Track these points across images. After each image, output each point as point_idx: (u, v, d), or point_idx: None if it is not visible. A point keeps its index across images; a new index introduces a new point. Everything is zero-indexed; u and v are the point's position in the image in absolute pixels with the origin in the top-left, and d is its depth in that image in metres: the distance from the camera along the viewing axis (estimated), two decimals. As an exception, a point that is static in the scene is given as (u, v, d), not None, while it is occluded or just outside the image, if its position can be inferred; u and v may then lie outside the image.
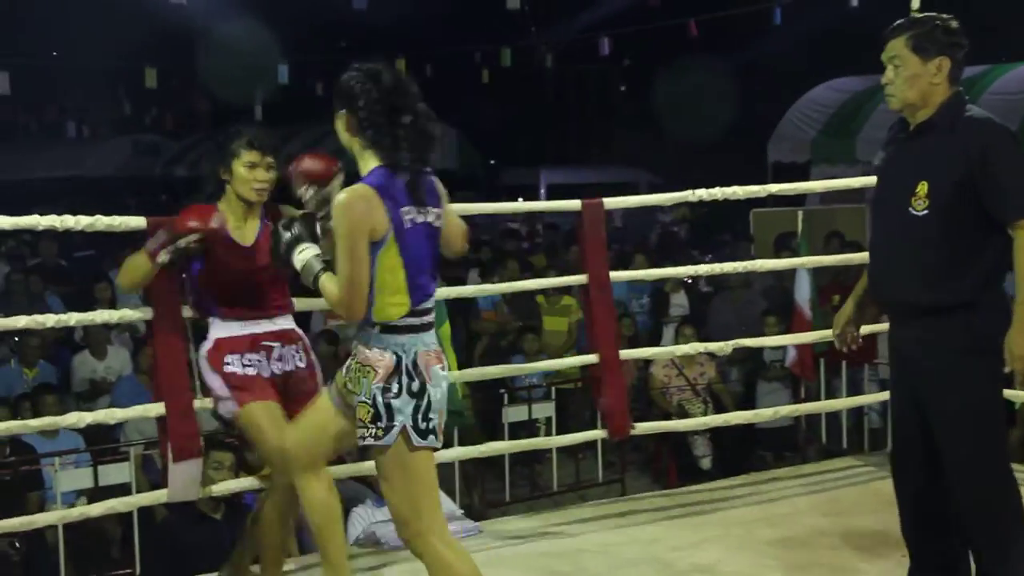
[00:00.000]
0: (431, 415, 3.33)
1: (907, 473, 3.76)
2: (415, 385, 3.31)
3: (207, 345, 4.12)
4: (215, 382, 4.09)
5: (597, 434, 5.66)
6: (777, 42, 17.01)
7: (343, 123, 3.36)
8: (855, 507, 5.18)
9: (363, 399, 3.33)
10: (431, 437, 3.35)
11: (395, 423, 3.30)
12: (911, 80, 3.62)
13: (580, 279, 5.43)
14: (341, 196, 3.25)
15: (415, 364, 3.32)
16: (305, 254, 3.49)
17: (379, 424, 3.30)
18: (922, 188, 3.56)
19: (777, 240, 10.67)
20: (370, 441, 3.33)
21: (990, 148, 3.49)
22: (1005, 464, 3.63)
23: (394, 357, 3.31)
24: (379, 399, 3.30)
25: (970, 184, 3.48)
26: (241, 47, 18.24)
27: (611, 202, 5.45)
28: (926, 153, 3.61)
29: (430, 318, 3.41)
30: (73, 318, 4.56)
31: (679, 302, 10.03)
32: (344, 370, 3.51)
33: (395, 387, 3.29)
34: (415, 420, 3.31)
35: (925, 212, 3.54)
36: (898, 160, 3.72)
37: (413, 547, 3.43)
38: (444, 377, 3.40)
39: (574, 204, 5.34)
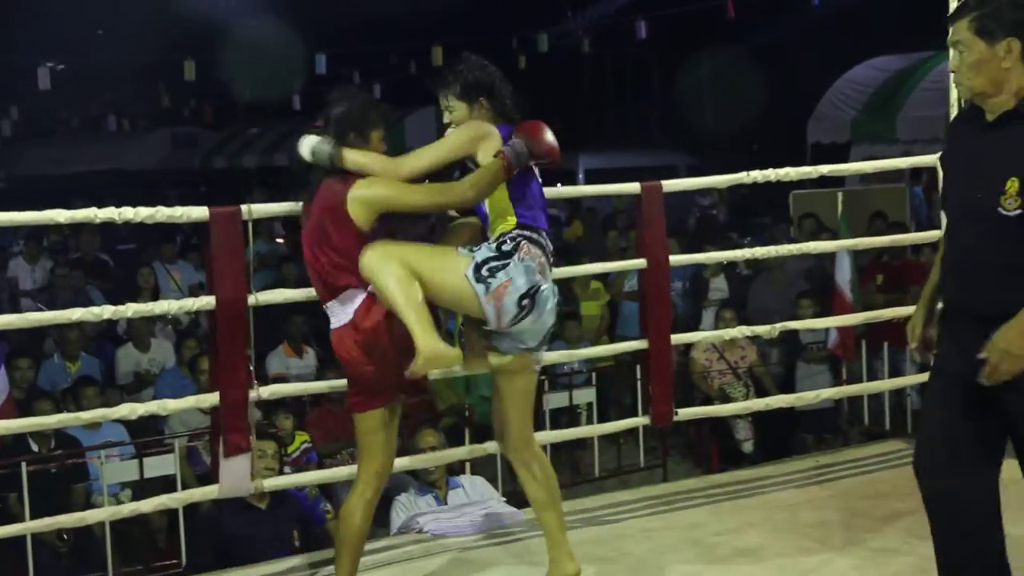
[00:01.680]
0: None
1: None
2: None
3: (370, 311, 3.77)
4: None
5: (639, 421, 5.65)
6: (816, 21, 16.87)
7: (469, 110, 3.90)
8: (897, 490, 5.12)
9: None
10: None
11: None
12: (977, 66, 3.30)
13: (639, 263, 5.38)
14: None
15: None
16: None
17: None
18: (1012, 186, 3.22)
19: (801, 219, 10.65)
20: None
21: None
22: None
23: None
24: None
25: None
26: (278, 37, 18.32)
27: (669, 184, 5.41)
28: (1012, 146, 3.27)
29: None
30: (136, 308, 4.60)
31: (718, 286, 9.98)
32: None
33: None
34: None
35: (1019, 212, 3.21)
36: (976, 153, 3.38)
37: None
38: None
39: (633, 187, 5.30)
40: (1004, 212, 3.23)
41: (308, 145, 3.78)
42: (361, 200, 3.73)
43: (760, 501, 5.21)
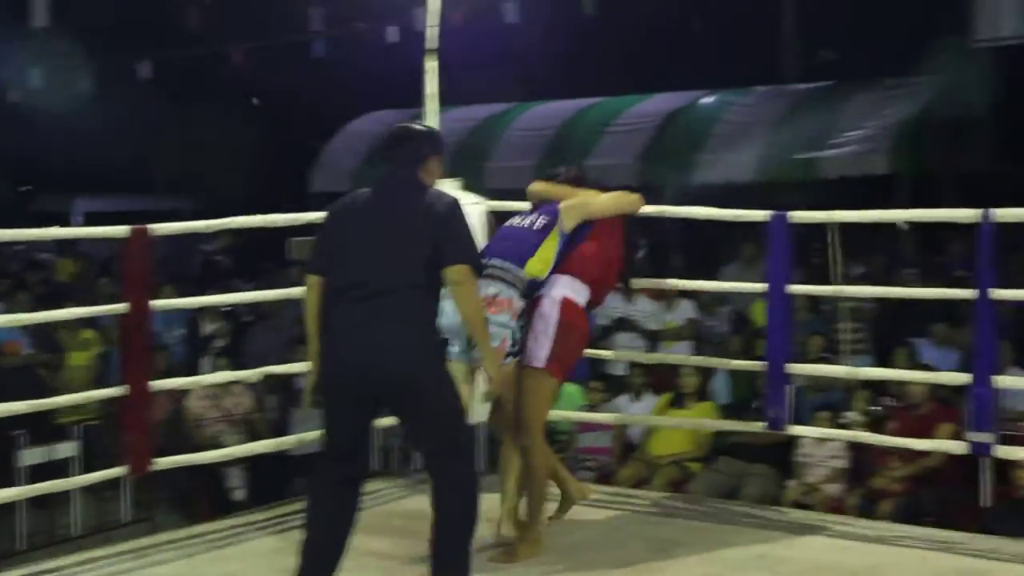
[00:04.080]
0: None
1: None
2: None
3: None
4: None
5: (116, 472, 5.45)
6: (319, 73, 17.28)
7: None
8: (371, 528, 5.25)
9: None
10: None
11: None
12: None
13: (119, 308, 5.26)
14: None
15: None
16: None
17: None
18: None
19: (289, 266, 10.88)
20: None
21: None
22: None
23: None
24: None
25: None
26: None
27: (157, 228, 5.35)
28: None
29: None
30: None
31: (217, 332, 9.89)
32: None
33: None
34: None
35: None
36: None
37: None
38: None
39: (121, 230, 5.18)
40: None
41: None
42: None
43: (241, 549, 5.21)
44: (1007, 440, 6.11)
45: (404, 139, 4.50)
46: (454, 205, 4.33)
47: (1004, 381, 5.34)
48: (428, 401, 4.22)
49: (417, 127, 4.62)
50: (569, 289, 4.98)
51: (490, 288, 4.83)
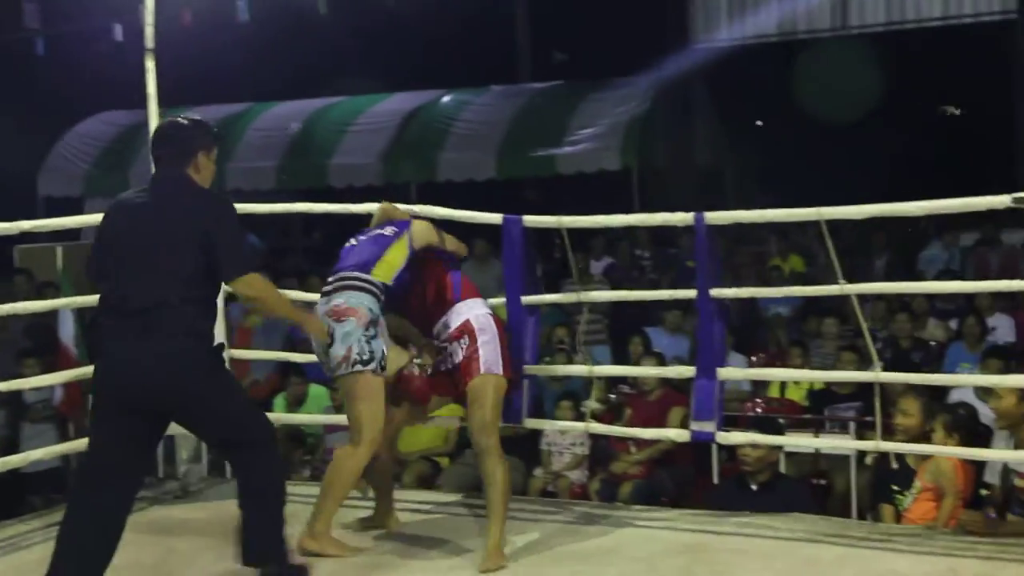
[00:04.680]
0: None
1: None
2: None
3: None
4: None
5: None
6: (42, 73, 16.52)
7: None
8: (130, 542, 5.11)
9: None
10: None
11: None
12: None
13: None
14: None
15: None
16: None
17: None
18: None
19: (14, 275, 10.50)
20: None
21: None
22: None
23: None
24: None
25: None
26: None
27: None
28: None
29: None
30: None
31: (-65, 348, 9.33)
32: None
33: None
34: None
35: None
36: None
37: None
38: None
39: None
40: None
41: None
42: None
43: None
44: (732, 421, 6.49)
45: (168, 135, 4.30)
46: (225, 208, 4.21)
47: (726, 372, 5.60)
48: (203, 409, 4.16)
49: (183, 121, 4.32)
50: (485, 307, 5.16)
51: (337, 299, 4.82)
